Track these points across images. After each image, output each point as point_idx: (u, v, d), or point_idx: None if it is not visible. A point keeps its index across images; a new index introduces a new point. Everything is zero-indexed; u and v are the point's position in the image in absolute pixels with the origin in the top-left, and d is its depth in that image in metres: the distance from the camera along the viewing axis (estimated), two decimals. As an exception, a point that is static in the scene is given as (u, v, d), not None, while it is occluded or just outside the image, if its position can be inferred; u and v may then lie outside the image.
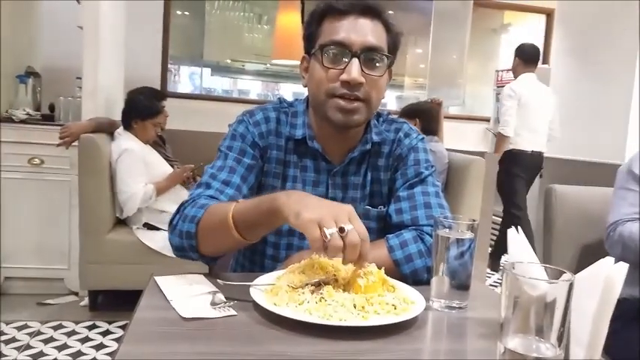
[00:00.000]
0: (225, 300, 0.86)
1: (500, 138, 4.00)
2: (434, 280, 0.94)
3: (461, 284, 0.92)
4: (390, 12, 1.16)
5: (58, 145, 2.78)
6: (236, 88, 6.39)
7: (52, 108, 3.44)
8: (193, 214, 1.03)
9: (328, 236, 0.79)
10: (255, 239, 1.02)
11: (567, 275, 0.60)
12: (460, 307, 0.92)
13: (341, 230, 0.80)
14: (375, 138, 1.22)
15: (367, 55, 1.10)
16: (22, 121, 3.02)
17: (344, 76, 1.08)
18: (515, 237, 0.84)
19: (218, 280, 0.93)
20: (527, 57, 4.05)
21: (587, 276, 0.70)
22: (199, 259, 1.08)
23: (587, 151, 4.45)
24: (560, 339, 0.59)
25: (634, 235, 1.45)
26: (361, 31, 1.09)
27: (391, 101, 5.85)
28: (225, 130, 1.23)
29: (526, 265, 0.64)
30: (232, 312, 0.83)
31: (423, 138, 1.27)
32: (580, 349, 0.72)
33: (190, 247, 1.05)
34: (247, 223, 0.96)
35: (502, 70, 5.26)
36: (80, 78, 3.13)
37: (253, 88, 6.49)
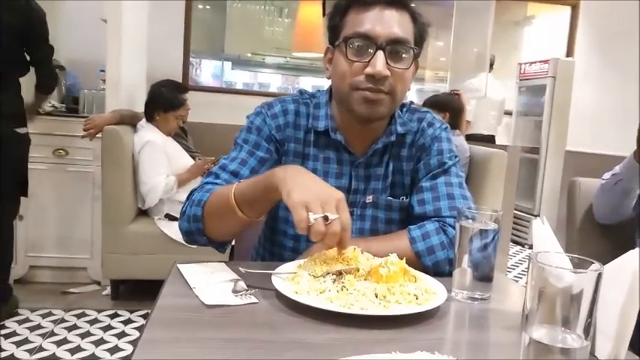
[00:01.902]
0: (246, 288, 0.87)
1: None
2: (456, 272, 0.93)
3: (484, 276, 0.91)
4: (412, 4, 1.14)
5: (83, 136, 2.83)
6: (256, 82, 6.40)
7: (76, 100, 3.49)
8: (199, 198, 1.06)
9: (312, 220, 0.82)
10: (258, 217, 1.04)
11: (596, 265, 0.59)
12: (483, 299, 0.91)
13: (325, 218, 0.83)
14: (400, 129, 1.20)
15: (393, 47, 1.07)
16: (48, 113, 3.07)
17: (368, 70, 1.06)
18: (540, 228, 0.83)
19: (240, 268, 0.93)
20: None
21: (614, 268, 0.69)
22: (208, 244, 1.10)
23: (611, 144, 4.36)
24: (587, 330, 0.58)
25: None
26: (387, 22, 1.07)
27: (411, 94, 5.80)
28: (244, 123, 1.23)
29: (552, 255, 0.63)
30: (254, 299, 0.84)
31: (446, 127, 1.24)
32: (607, 342, 0.71)
33: (198, 230, 1.07)
34: (248, 200, 0.98)
35: (525, 63, 5.18)
36: (104, 71, 3.17)
37: (273, 81, 6.49)
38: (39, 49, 2.60)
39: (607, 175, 1.66)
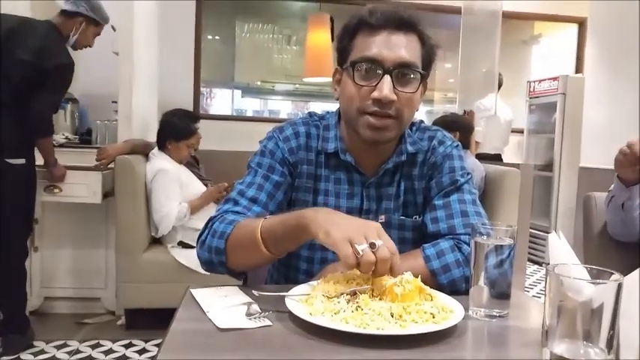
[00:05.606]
0: (260, 311, 0.86)
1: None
2: (473, 290, 0.91)
3: (501, 293, 0.90)
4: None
5: (95, 167, 2.86)
6: (266, 109, 6.48)
7: (89, 132, 3.54)
8: (222, 230, 1.05)
9: (360, 252, 0.82)
10: (283, 254, 1.03)
11: (616, 275, 0.57)
12: (501, 316, 0.89)
13: (372, 246, 0.83)
14: (410, 149, 1.20)
15: (400, 71, 1.07)
16: (61, 145, 3.11)
17: (375, 94, 1.06)
18: (557, 241, 0.81)
19: (253, 291, 0.93)
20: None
21: (635, 279, 0.68)
22: (228, 274, 1.10)
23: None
24: (609, 343, 0.56)
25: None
26: (394, 46, 1.07)
27: (421, 116, 5.82)
28: (256, 149, 1.24)
29: (570, 267, 0.62)
30: (268, 322, 0.82)
31: (458, 145, 1.24)
32: (631, 353, 0.69)
33: (220, 262, 1.06)
34: (275, 239, 0.98)
35: (534, 81, 5.18)
36: (116, 102, 3.22)
37: (283, 108, 6.57)
38: (40, 92, 2.49)
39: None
